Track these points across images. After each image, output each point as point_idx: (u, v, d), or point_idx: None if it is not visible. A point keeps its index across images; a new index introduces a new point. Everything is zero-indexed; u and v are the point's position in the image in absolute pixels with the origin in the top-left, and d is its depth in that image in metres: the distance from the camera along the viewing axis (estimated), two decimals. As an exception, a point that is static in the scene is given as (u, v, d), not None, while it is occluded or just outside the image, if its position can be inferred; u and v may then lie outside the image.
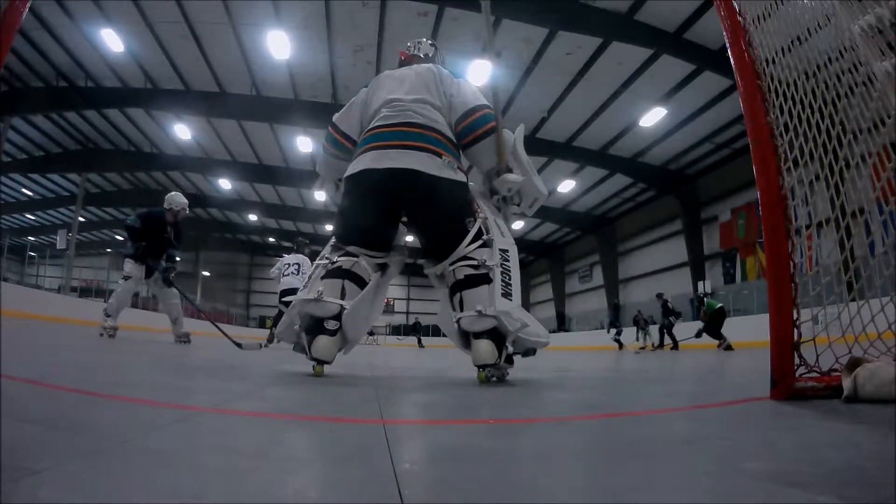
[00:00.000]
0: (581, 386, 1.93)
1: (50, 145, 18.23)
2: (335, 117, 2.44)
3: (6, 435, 0.68)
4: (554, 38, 10.90)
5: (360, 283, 2.14)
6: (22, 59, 12.66)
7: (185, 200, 5.61)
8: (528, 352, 2.13)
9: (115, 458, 0.64)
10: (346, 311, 2.03)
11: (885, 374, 1.18)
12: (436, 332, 30.04)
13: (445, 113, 2.27)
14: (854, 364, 1.25)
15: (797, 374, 1.30)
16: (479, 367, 1.97)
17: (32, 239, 26.68)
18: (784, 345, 1.29)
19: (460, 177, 2.16)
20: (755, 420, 1.14)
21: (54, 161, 18.95)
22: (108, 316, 5.34)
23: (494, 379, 1.98)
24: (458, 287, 2.08)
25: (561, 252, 26.94)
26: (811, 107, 1.36)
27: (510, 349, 1.96)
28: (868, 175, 1.31)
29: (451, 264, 2.12)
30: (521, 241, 26.20)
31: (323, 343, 2.01)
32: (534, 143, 15.34)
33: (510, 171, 2.27)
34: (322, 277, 2.15)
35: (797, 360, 1.30)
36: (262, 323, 31.39)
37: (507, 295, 1.99)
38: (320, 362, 2.03)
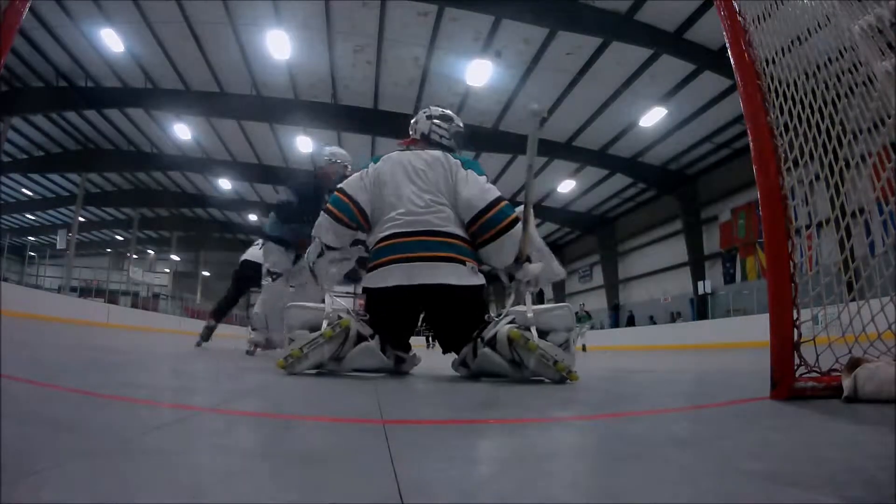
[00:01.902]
0: (581, 386, 1.94)
1: (50, 145, 18.23)
2: (348, 187, 2.41)
3: (6, 435, 0.68)
4: (554, 38, 10.90)
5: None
6: (22, 59, 12.66)
7: (346, 153, 4.43)
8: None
9: (115, 458, 0.64)
10: (354, 350, 2.13)
11: (885, 374, 1.18)
12: (436, 332, 30.06)
13: (455, 207, 2.34)
14: (854, 364, 1.25)
15: (797, 374, 1.30)
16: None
17: (32, 239, 26.67)
18: (784, 345, 1.29)
19: (481, 280, 2.30)
20: (755, 420, 1.14)
21: (54, 161, 18.95)
22: (255, 329, 4.30)
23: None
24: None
25: (561, 252, 26.94)
26: (811, 107, 1.36)
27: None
28: (868, 175, 1.31)
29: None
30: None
31: (358, 350, 2.14)
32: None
33: (529, 259, 2.30)
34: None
35: (797, 360, 1.30)
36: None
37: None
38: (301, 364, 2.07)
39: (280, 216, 4.22)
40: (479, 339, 2.12)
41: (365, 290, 2.33)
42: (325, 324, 2.07)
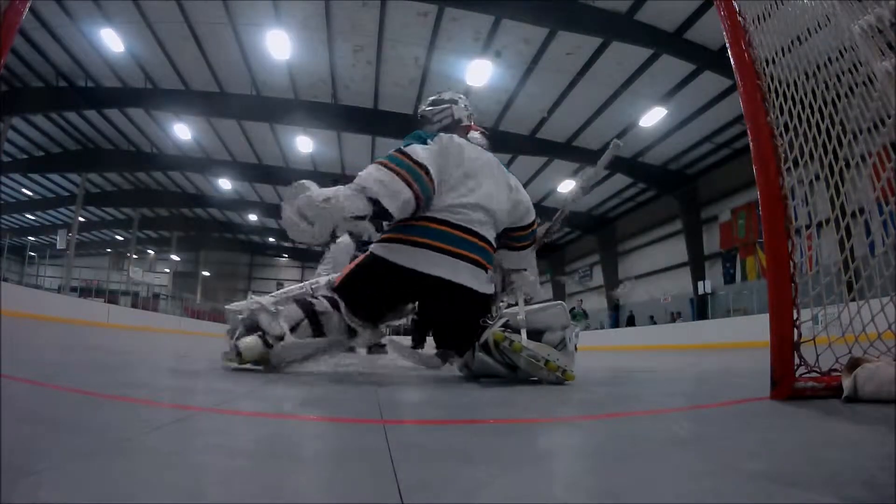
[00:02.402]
0: (580, 386, 1.93)
1: (50, 145, 18.22)
2: (427, 161, 2.05)
3: (6, 435, 0.68)
4: (554, 38, 10.90)
5: (319, 331, 2.07)
6: (22, 59, 12.65)
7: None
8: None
9: (115, 458, 0.64)
10: (279, 345, 1.98)
11: (885, 374, 1.18)
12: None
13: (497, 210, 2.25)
14: (854, 364, 1.25)
15: (797, 374, 1.30)
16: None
17: (32, 239, 26.65)
18: (784, 345, 1.29)
19: (492, 289, 2.23)
20: (755, 420, 1.14)
21: (54, 161, 18.94)
22: None
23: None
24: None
25: (561, 252, 26.93)
26: (811, 107, 1.36)
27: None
28: (868, 175, 1.31)
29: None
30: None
31: (250, 342, 1.98)
32: (534, 143, 15.33)
33: (525, 269, 2.39)
34: (294, 300, 2.13)
35: (797, 360, 1.30)
36: (261, 323, 31.29)
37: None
38: (241, 360, 1.99)
39: None
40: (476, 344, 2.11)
41: (379, 259, 2.07)
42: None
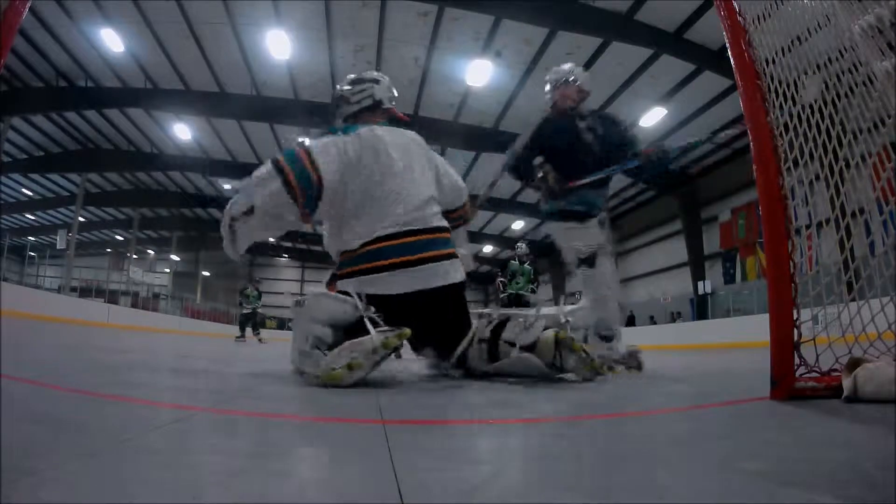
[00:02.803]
0: (580, 385, 1.93)
1: (50, 145, 18.22)
2: (316, 151, 1.93)
3: (6, 435, 0.68)
4: (554, 38, 10.89)
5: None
6: (22, 59, 12.65)
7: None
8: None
9: (115, 458, 0.64)
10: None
11: (885, 374, 1.17)
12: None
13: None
14: (854, 364, 1.25)
15: (797, 374, 1.30)
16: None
17: (32, 239, 26.64)
18: (784, 345, 1.29)
19: (463, 273, 2.12)
20: (755, 420, 1.14)
21: (54, 161, 18.93)
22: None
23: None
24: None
25: (561, 252, 26.90)
26: (811, 107, 1.36)
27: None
28: (868, 175, 1.31)
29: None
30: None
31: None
32: (534, 143, 15.32)
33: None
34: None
35: (797, 360, 1.30)
36: (262, 323, 31.33)
37: None
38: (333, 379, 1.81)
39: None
40: (504, 343, 2.00)
41: (371, 297, 1.89)
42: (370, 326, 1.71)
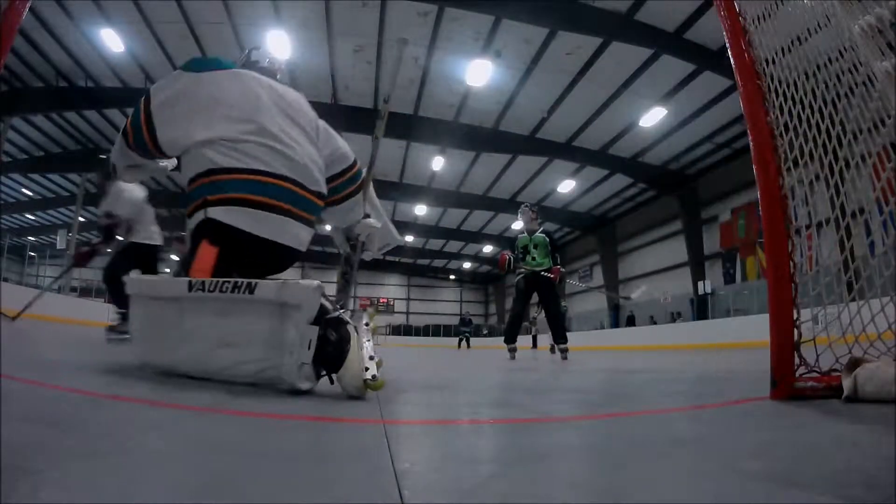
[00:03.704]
0: (580, 386, 1.94)
1: (50, 145, 18.22)
2: (159, 107, 1.79)
3: (6, 435, 0.68)
4: (554, 38, 10.90)
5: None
6: (22, 59, 12.65)
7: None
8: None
9: (115, 458, 0.64)
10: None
11: (885, 374, 1.18)
12: (436, 331, 30.06)
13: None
14: (854, 364, 1.25)
15: (797, 374, 1.30)
16: None
17: (32, 239, 26.65)
18: (784, 345, 1.29)
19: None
20: (755, 420, 1.14)
21: (54, 161, 18.94)
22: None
23: None
24: None
25: (561, 252, 26.87)
26: (811, 107, 1.36)
27: None
28: (868, 175, 1.31)
29: None
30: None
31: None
32: (534, 143, 15.33)
33: (368, 215, 2.19)
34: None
35: (797, 360, 1.31)
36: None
37: None
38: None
39: None
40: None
41: (223, 227, 1.68)
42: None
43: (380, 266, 34.58)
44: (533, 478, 0.65)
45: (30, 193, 23.34)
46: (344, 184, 2.14)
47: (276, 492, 0.54)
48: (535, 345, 20.49)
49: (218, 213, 1.69)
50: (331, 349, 1.40)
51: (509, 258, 5.57)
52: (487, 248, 28.14)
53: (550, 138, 15.21)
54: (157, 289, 1.64)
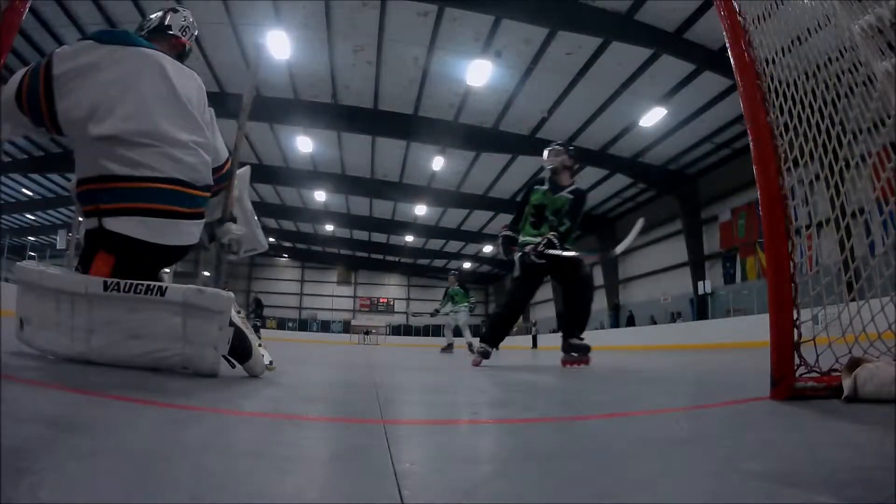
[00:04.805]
0: (580, 386, 1.94)
1: (50, 145, 18.24)
2: (61, 80, 1.71)
3: (6, 435, 0.68)
4: (554, 38, 10.90)
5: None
6: (22, 59, 12.65)
7: None
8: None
9: (115, 458, 0.64)
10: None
11: (885, 374, 1.18)
12: (437, 331, 30.04)
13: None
14: (854, 364, 1.25)
15: (797, 374, 1.30)
16: None
17: (32, 239, 26.66)
18: (784, 345, 1.29)
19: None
20: (755, 420, 1.14)
21: (54, 161, 18.95)
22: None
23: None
24: None
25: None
26: (811, 107, 1.36)
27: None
28: (868, 175, 1.31)
29: None
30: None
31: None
32: (534, 143, 15.34)
33: (234, 219, 2.18)
34: None
35: (797, 360, 1.30)
36: (262, 323, 31.40)
37: None
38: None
39: None
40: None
41: (119, 237, 1.74)
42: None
43: (380, 266, 34.61)
44: (533, 478, 0.65)
45: (30, 193, 23.35)
46: (224, 175, 2.15)
47: (276, 492, 0.54)
48: (534, 345, 20.47)
49: (113, 224, 1.75)
50: (238, 343, 1.69)
51: (506, 235, 3.85)
52: (487, 248, 28.14)
53: (551, 138, 15.20)
54: (63, 283, 1.75)
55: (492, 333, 3.75)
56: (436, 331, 30.43)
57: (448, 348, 8.98)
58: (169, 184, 1.81)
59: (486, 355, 3.64)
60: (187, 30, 2.18)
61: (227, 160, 2.18)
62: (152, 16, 2.14)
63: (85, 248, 1.84)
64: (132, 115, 1.76)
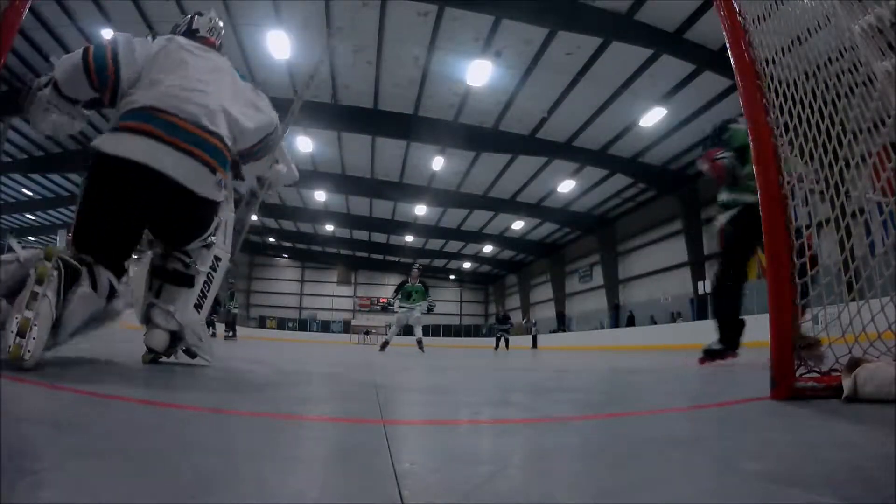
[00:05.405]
0: (580, 386, 1.94)
1: (50, 145, 18.23)
2: (120, 45, 1.94)
3: (6, 435, 0.68)
4: (554, 38, 10.90)
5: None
6: (22, 59, 12.65)
7: None
8: (193, 355, 2.31)
9: (115, 458, 0.64)
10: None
11: (885, 374, 1.18)
12: (436, 332, 30.04)
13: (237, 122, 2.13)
14: (854, 364, 1.25)
15: (797, 374, 1.30)
16: (148, 348, 2.14)
17: (32, 239, 26.65)
18: (784, 345, 1.29)
19: (221, 196, 2.08)
20: (755, 420, 1.14)
21: (54, 161, 18.94)
22: None
23: (151, 361, 2.15)
24: (163, 276, 2.19)
25: (561, 252, 26.92)
26: (811, 107, 1.36)
27: (180, 350, 2.27)
28: (868, 175, 1.31)
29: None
30: (522, 241, 26.21)
31: None
32: (534, 143, 15.34)
33: (277, 161, 2.54)
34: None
35: (797, 360, 1.30)
36: (262, 323, 31.41)
37: (198, 307, 2.24)
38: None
39: None
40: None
41: (97, 155, 1.78)
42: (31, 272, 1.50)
43: (380, 266, 34.59)
44: (533, 478, 0.65)
45: (30, 193, 23.34)
46: (268, 145, 2.39)
47: (276, 492, 0.54)
48: (535, 345, 20.43)
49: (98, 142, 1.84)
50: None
51: (729, 164, 3.12)
52: (487, 248, 28.15)
53: (550, 138, 15.21)
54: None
55: (732, 332, 3.17)
56: (436, 331, 30.44)
57: (384, 347, 8.27)
58: (162, 113, 1.91)
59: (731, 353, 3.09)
60: (214, 30, 2.43)
61: (277, 126, 2.46)
62: (180, 21, 2.41)
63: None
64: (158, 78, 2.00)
